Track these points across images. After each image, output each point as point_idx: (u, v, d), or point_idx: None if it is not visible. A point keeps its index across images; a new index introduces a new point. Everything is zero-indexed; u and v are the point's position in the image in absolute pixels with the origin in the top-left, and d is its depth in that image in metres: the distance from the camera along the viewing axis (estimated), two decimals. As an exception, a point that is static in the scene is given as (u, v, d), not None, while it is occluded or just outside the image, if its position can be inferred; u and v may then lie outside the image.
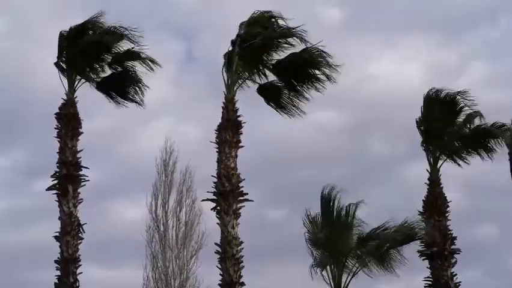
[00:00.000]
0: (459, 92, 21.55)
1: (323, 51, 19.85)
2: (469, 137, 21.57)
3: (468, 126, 21.65)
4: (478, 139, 21.59)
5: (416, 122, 21.77)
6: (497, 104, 22.02)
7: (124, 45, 20.71)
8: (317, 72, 20.17)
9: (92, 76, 20.98)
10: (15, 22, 42.40)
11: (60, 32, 20.47)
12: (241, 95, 20.11)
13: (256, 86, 20.77)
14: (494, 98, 34.86)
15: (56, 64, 20.55)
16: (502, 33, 46.52)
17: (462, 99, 21.59)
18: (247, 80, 20.50)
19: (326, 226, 20.22)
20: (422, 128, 21.66)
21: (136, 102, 21.38)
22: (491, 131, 21.37)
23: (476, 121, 21.56)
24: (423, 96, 21.75)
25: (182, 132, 40.44)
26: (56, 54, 20.53)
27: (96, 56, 20.73)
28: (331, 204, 20.44)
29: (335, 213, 20.42)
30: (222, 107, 19.80)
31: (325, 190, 20.52)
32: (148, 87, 21.21)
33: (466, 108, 21.68)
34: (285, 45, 20.07)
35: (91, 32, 20.48)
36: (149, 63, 20.73)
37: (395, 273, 20.18)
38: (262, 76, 20.62)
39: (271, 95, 20.88)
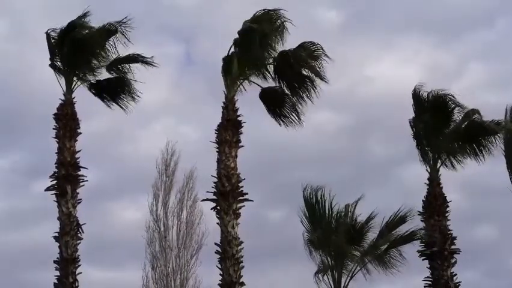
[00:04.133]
0: (447, 94, 21.46)
1: (318, 45, 19.89)
2: (464, 135, 21.48)
3: (464, 124, 21.55)
4: (473, 137, 21.50)
5: (410, 123, 21.76)
6: (496, 106, 21.95)
7: (119, 47, 20.83)
8: (309, 71, 20.09)
9: (88, 77, 21.00)
10: (14, 24, 42.52)
11: (47, 32, 20.44)
12: (241, 95, 20.17)
13: (256, 85, 20.72)
14: (493, 100, 34.89)
15: (51, 65, 20.56)
16: (500, 35, 46.59)
17: (451, 101, 21.49)
18: (246, 80, 20.45)
19: (316, 228, 20.06)
20: (416, 128, 21.65)
21: (125, 107, 21.42)
22: (486, 126, 21.26)
23: (475, 118, 21.46)
24: (412, 95, 21.66)
25: (182, 134, 40.50)
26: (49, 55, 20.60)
27: (90, 55, 20.69)
28: (318, 204, 20.14)
29: (326, 215, 20.17)
30: (222, 107, 19.81)
31: (306, 191, 20.22)
32: (139, 95, 21.27)
33: (457, 108, 21.60)
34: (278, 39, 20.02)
35: (81, 30, 20.38)
36: (148, 64, 20.77)
37: (394, 273, 20.15)
38: (262, 75, 20.52)
39: (272, 103, 20.69)
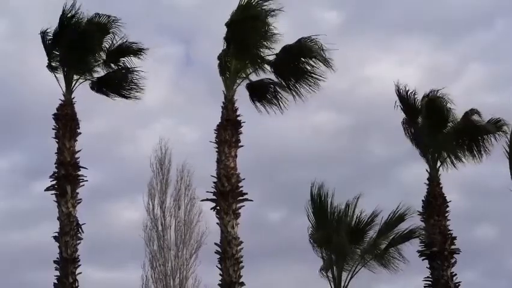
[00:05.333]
0: (443, 95, 21.50)
1: (317, 41, 19.80)
2: (462, 135, 21.47)
3: (462, 125, 21.56)
4: (471, 137, 21.50)
5: (402, 124, 21.80)
6: (496, 106, 22.00)
7: (114, 40, 20.81)
8: (312, 63, 20.06)
9: (87, 75, 20.94)
10: (13, 24, 42.54)
11: (43, 33, 20.38)
12: (241, 95, 20.17)
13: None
14: (492, 100, 34.96)
15: (48, 66, 20.54)
16: (499, 36, 46.63)
17: (444, 101, 21.53)
18: (245, 80, 20.44)
19: (320, 226, 20.05)
20: (413, 129, 21.68)
21: (133, 98, 21.39)
22: (482, 127, 21.30)
23: (475, 118, 21.47)
24: (398, 97, 21.67)
25: (182, 134, 40.55)
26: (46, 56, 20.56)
27: (87, 49, 20.61)
28: (323, 202, 20.01)
29: (328, 213, 20.18)
30: (222, 107, 19.79)
31: (314, 188, 20.10)
32: (143, 83, 21.25)
33: (452, 109, 21.66)
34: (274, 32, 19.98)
35: (74, 26, 20.30)
36: (142, 54, 20.81)
37: (394, 272, 20.13)
38: (261, 71, 20.48)
39: (257, 91, 20.68)
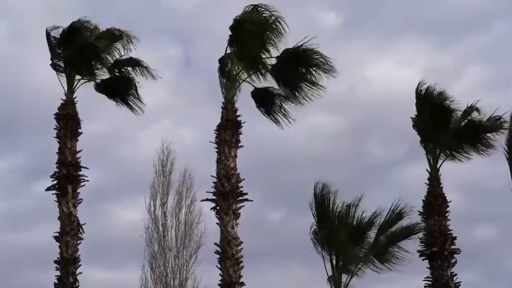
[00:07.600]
0: (446, 97, 21.55)
1: (318, 51, 19.88)
2: (464, 132, 21.50)
3: (464, 122, 21.57)
4: (474, 134, 21.52)
5: (412, 120, 21.81)
6: (494, 107, 22.00)
7: (122, 50, 21.00)
8: (314, 71, 20.12)
9: (91, 78, 21.03)
10: (12, 25, 42.60)
11: (47, 31, 20.48)
12: (241, 95, 20.21)
13: (253, 85, 20.70)
14: (491, 101, 34.90)
15: (52, 64, 20.60)
16: (498, 37, 46.74)
17: (451, 103, 21.57)
18: (245, 81, 20.47)
19: (322, 226, 20.06)
20: (417, 127, 21.68)
21: (134, 108, 21.53)
22: (486, 124, 21.31)
23: (474, 116, 21.49)
24: (415, 94, 21.72)
25: (181, 135, 40.63)
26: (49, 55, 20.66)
27: (94, 58, 20.77)
28: (325, 202, 19.96)
29: (330, 213, 20.16)
30: (222, 107, 19.82)
31: (317, 188, 20.02)
32: (141, 100, 21.43)
33: (456, 108, 21.68)
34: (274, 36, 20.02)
35: (86, 32, 20.51)
36: (148, 71, 20.97)
37: (395, 271, 20.13)
38: (260, 75, 20.53)
39: (263, 100, 20.81)
